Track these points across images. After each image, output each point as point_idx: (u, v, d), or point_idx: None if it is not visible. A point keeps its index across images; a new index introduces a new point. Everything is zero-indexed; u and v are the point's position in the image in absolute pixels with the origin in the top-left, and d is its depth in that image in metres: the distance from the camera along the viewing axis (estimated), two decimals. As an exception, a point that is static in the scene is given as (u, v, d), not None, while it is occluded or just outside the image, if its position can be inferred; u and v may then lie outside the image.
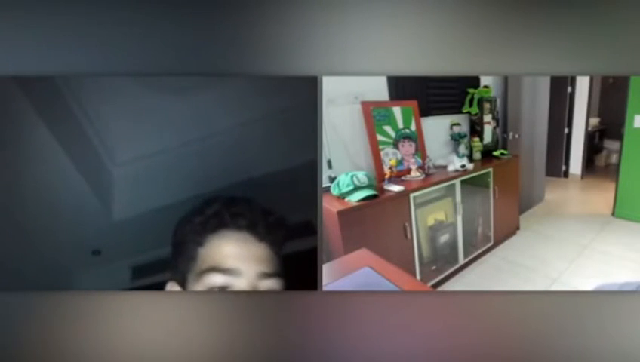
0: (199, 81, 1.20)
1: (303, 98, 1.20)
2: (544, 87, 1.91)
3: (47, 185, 1.19)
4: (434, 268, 1.71)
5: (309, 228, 1.22)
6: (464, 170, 1.76)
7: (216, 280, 0.81)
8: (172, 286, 0.92)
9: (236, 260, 0.83)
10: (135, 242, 1.24)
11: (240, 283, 0.80)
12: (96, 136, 1.18)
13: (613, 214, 1.72)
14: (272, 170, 1.21)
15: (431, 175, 1.76)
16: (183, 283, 0.88)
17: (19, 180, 1.19)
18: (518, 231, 1.94)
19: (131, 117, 1.19)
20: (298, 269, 1.23)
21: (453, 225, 1.76)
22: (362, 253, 1.32)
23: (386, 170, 1.64)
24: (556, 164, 1.99)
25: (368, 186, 1.50)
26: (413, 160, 1.76)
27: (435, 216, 1.72)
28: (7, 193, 1.19)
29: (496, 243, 1.88)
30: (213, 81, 1.20)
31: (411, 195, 1.60)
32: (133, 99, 1.19)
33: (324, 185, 1.29)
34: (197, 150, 1.21)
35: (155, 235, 1.17)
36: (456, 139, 1.87)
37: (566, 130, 1.91)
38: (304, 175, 1.22)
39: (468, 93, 1.86)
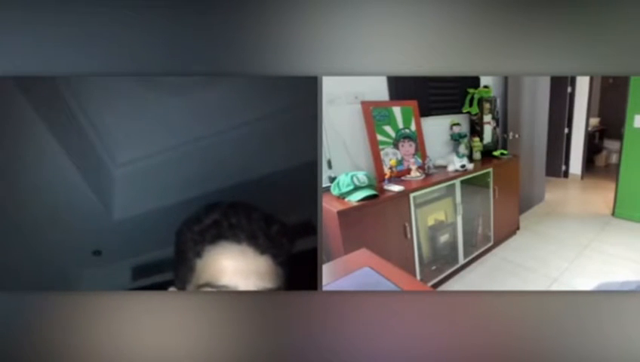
0: (199, 81, 1.20)
1: (302, 98, 1.20)
2: (544, 87, 1.91)
3: (48, 186, 1.18)
4: (434, 268, 1.70)
5: (309, 228, 1.22)
6: (464, 170, 1.76)
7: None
8: None
9: (234, 276, 0.77)
10: (136, 242, 1.24)
11: None
12: (97, 137, 1.18)
13: (613, 214, 1.72)
14: (272, 170, 1.21)
15: (431, 175, 1.76)
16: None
17: (19, 181, 1.19)
18: (518, 231, 1.94)
19: (132, 117, 1.19)
20: (298, 269, 1.23)
21: (453, 225, 1.76)
22: (362, 253, 1.32)
23: (386, 170, 1.64)
24: (556, 164, 1.99)
25: (368, 186, 1.50)
26: (413, 160, 1.76)
27: (435, 216, 1.72)
28: (7, 193, 1.19)
29: (496, 243, 1.88)
30: (213, 81, 1.20)
31: (411, 195, 1.60)
32: (134, 100, 1.19)
33: (324, 185, 1.29)
34: (197, 150, 1.21)
35: (155, 236, 1.17)
36: (456, 139, 1.87)
37: (566, 130, 1.91)
38: (304, 175, 1.22)
39: (468, 93, 1.86)
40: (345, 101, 1.60)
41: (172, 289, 0.91)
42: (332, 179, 1.55)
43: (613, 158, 1.84)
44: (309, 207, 1.23)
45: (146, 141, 1.20)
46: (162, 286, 0.99)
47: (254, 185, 1.20)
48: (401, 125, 1.74)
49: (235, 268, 0.77)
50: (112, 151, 1.20)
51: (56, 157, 1.15)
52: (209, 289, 0.77)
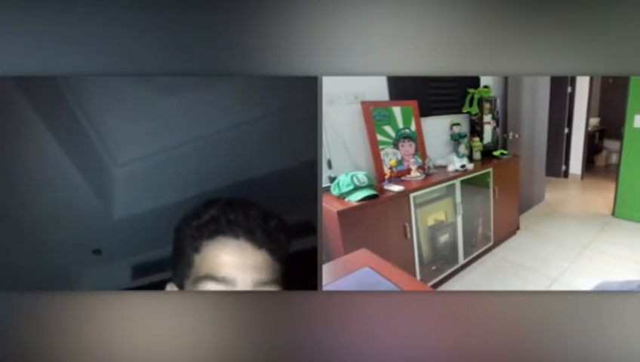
0: (200, 81, 1.20)
1: (303, 98, 1.20)
2: (544, 87, 1.91)
3: (48, 185, 1.18)
4: (434, 268, 1.70)
5: (309, 227, 1.22)
6: (464, 170, 1.76)
7: (212, 288, 0.79)
8: (171, 288, 0.93)
9: (232, 269, 0.79)
10: (135, 241, 1.24)
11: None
12: (97, 136, 1.18)
13: (613, 214, 1.72)
14: (272, 169, 1.21)
15: (431, 175, 1.76)
16: (181, 287, 0.88)
17: (19, 180, 1.19)
18: (518, 231, 1.94)
19: (132, 117, 1.19)
20: (298, 269, 1.23)
21: (453, 225, 1.76)
22: (362, 253, 1.32)
23: (386, 170, 1.64)
24: (556, 164, 1.99)
25: (368, 186, 1.50)
26: (413, 160, 1.76)
27: (435, 216, 1.72)
28: (7, 193, 1.19)
29: (496, 243, 1.88)
30: (213, 81, 1.20)
31: (411, 195, 1.60)
32: (134, 100, 1.19)
33: (324, 185, 1.29)
34: (197, 150, 1.21)
35: (155, 235, 1.17)
36: (456, 139, 1.87)
37: (566, 130, 1.91)
38: (304, 175, 1.23)
39: (468, 93, 1.86)
40: (345, 101, 1.60)
41: (170, 285, 0.92)
42: (332, 179, 1.55)
43: (613, 158, 1.84)
44: (309, 206, 1.23)
45: (147, 141, 1.20)
46: (162, 286, 0.99)
47: (254, 185, 1.20)
48: (401, 125, 1.75)
49: (233, 262, 0.79)
50: (112, 151, 1.20)
51: (57, 157, 1.15)
52: (209, 281, 0.79)
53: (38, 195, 1.19)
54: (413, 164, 1.75)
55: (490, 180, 1.85)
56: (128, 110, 1.19)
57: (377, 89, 1.67)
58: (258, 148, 1.22)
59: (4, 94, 1.15)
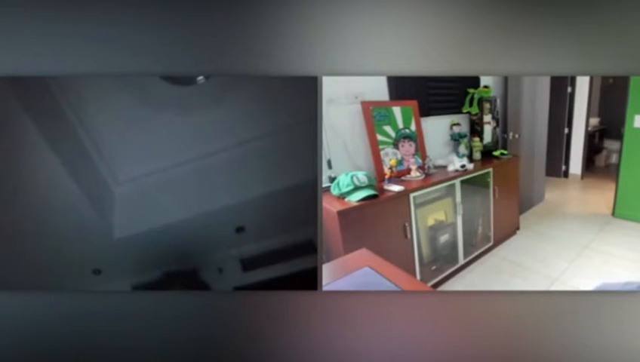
0: (202, 99, 1.20)
1: (302, 122, 1.20)
2: (544, 87, 1.91)
3: (49, 204, 1.18)
4: (434, 268, 1.70)
5: (309, 248, 1.23)
6: (464, 170, 1.76)
7: None
8: None
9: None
10: (136, 261, 1.23)
11: None
12: (98, 155, 1.18)
13: (613, 214, 1.72)
14: (274, 188, 1.22)
15: (431, 175, 1.75)
16: None
17: (19, 199, 1.19)
18: (518, 231, 1.94)
19: (133, 135, 1.19)
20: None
21: (453, 225, 1.76)
22: (362, 253, 1.32)
23: (386, 170, 1.64)
24: (556, 164, 1.98)
25: (368, 186, 1.50)
26: (413, 160, 1.76)
27: (435, 216, 1.72)
28: (7, 212, 1.19)
29: (496, 243, 1.88)
30: (214, 99, 1.20)
31: (411, 195, 1.60)
32: (137, 119, 1.19)
33: (324, 185, 1.29)
34: (199, 168, 1.20)
35: (156, 254, 1.17)
36: (456, 139, 1.87)
37: (566, 130, 1.91)
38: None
39: (468, 93, 1.86)
40: (345, 101, 1.60)
41: None
42: (332, 179, 1.54)
43: (613, 158, 1.84)
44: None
45: (148, 159, 1.20)
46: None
47: (255, 203, 1.21)
48: (401, 125, 1.74)
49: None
50: (114, 170, 1.20)
51: (58, 176, 1.15)
52: None
53: (38, 214, 1.19)
54: (413, 164, 1.75)
55: (490, 180, 1.84)
56: (130, 129, 1.19)
57: (377, 89, 1.66)
58: (259, 168, 1.22)
59: (3, 97, 1.15)
